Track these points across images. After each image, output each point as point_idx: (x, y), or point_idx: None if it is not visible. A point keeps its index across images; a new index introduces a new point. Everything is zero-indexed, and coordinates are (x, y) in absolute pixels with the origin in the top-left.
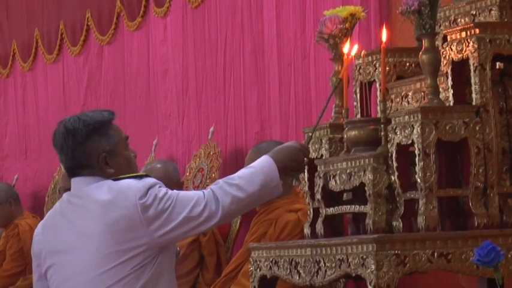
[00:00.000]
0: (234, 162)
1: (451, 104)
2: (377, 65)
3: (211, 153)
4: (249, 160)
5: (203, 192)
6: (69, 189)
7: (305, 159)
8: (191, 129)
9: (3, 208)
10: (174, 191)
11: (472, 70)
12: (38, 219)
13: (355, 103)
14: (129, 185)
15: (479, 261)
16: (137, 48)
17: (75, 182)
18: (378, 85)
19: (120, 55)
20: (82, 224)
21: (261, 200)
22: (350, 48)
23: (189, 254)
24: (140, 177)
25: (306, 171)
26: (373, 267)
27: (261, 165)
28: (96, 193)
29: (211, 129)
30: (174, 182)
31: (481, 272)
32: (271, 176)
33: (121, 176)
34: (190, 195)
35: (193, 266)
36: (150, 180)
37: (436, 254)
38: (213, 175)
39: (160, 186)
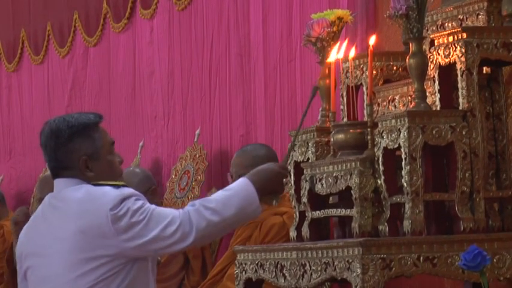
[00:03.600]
0: (219, 164)
1: (438, 108)
2: (364, 69)
3: (197, 155)
4: (234, 163)
5: (179, 212)
6: (42, 198)
7: (284, 180)
8: (177, 132)
9: None
10: (152, 206)
11: (459, 74)
12: None
13: (341, 107)
14: (104, 193)
15: (465, 265)
16: (123, 50)
17: (57, 183)
18: (364, 89)
19: (106, 56)
20: (58, 226)
21: (239, 223)
22: (347, 50)
23: (174, 257)
24: (119, 186)
25: (292, 174)
26: (358, 270)
27: (239, 189)
28: (73, 197)
29: (197, 131)
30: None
31: (466, 277)
32: (249, 199)
33: (101, 182)
34: (166, 213)
35: (178, 269)
36: (127, 191)
37: (422, 258)
38: (199, 177)
39: (137, 199)
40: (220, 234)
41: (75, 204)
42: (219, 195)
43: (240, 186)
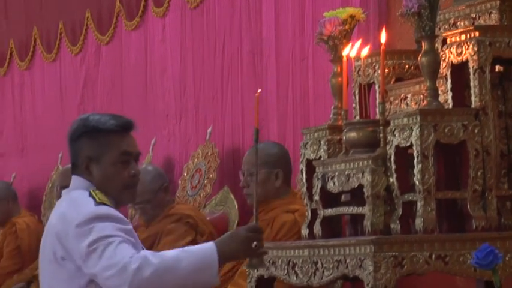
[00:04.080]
0: (231, 162)
1: (450, 106)
2: (376, 67)
3: (209, 153)
4: (246, 161)
5: (131, 260)
6: (65, 186)
7: (255, 242)
8: (189, 130)
9: (1, 206)
10: (117, 239)
11: (471, 73)
12: (35, 217)
13: (354, 105)
14: (82, 205)
15: (477, 263)
16: (135, 48)
17: (71, 180)
18: (377, 87)
19: (118, 54)
20: (51, 224)
21: (193, 284)
22: (360, 49)
23: None
24: (101, 203)
25: (304, 172)
26: (370, 268)
27: (200, 250)
28: (65, 198)
29: (209, 129)
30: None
31: (478, 275)
32: (207, 263)
33: (95, 192)
34: (122, 254)
35: None
36: (102, 211)
37: (433, 256)
38: (211, 175)
39: (108, 223)
40: None
41: (62, 208)
42: (178, 251)
43: (202, 249)
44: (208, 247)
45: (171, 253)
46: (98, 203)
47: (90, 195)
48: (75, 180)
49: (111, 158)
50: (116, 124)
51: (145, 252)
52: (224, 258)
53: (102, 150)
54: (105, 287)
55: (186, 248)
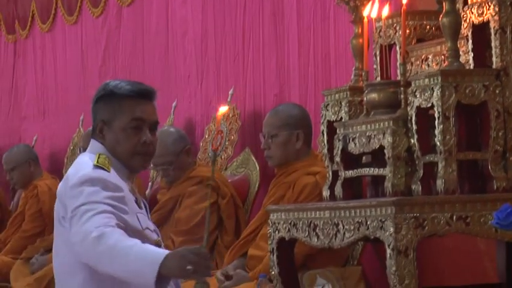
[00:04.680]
0: (252, 124)
1: (471, 67)
2: (397, 28)
3: (230, 115)
4: (267, 123)
5: (93, 230)
6: (87, 149)
7: (189, 266)
8: (210, 92)
9: (23, 169)
10: (101, 207)
11: (492, 33)
12: (57, 180)
13: (375, 66)
14: (81, 168)
15: (498, 224)
16: (156, 10)
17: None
18: (398, 48)
19: (140, 16)
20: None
21: (128, 279)
22: (380, 8)
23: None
24: (97, 167)
25: (325, 134)
26: (391, 229)
27: (152, 254)
28: (74, 163)
29: (231, 91)
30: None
31: (499, 236)
32: (146, 272)
33: (100, 155)
34: (88, 226)
35: (212, 229)
36: (95, 176)
37: (454, 217)
38: (232, 137)
39: (101, 188)
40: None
41: (69, 169)
42: (134, 243)
43: (154, 254)
44: (158, 256)
45: (128, 242)
46: (95, 166)
47: (95, 158)
48: (91, 143)
49: (122, 123)
50: (131, 89)
51: (109, 230)
52: (164, 272)
53: (114, 114)
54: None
55: (146, 245)
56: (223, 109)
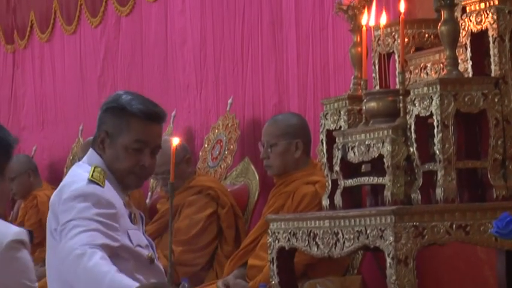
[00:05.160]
0: (251, 133)
1: (470, 75)
2: (396, 36)
3: (229, 124)
4: (266, 132)
5: (77, 247)
6: None
7: None
8: (209, 101)
9: (22, 179)
10: (91, 225)
11: (491, 41)
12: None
13: (373, 74)
14: (75, 181)
15: (497, 233)
16: (155, 19)
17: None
18: (396, 56)
19: (138, 26)
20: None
21: None
22: (377, 16)
23: (208, 227)
24: (91, 181)
25: (324, 143)
26: (391, 239)
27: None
28: (68, 175)
29: (230, 100)
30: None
31: (499, 244)
32: None
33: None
34: (72, 243)
35: (211, 239)
36: (88, 191)
37: (454, 226)
38: (231, 146)
39: (93, 204)
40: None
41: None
42: (110, 271)
43: (126, 286)
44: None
45: (104, 268)
46: (90, 181)
47: (89, 171)
48: (89, 152)
49: (126, 141)
50: (142, 110)
51: (91, 251)
52: None
53: (120, 130)
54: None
55: (120, 275)
56: (175, 140)
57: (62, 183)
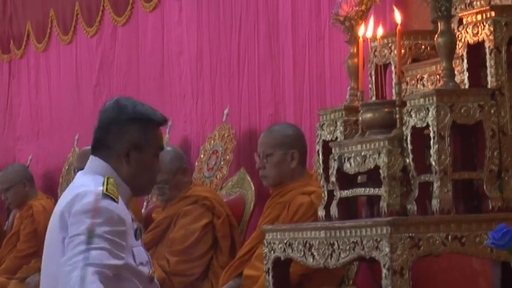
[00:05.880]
0: (248, 144)
1: (466, 86)
2: (392, 48)
3: (225, 135)
4: (262, 143)
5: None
6: (82, 169)
7: None
8: (205, 111)
9: (18, 189)
10: (91, 246)
11: (487, 53)
12: (52, 200)
13: (370, 85)
14: (89, 193)
15: (493, 244)
16: (152, 30)
17: (90, 160)
18: (393, 67)
19: (135, 36)
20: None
21: None
22: (375, 28)
23: (203, 237)
24: (106, 196)
25: (320, 154)
26: (387, 249)
27: None
28: (80, 180)
29: (226, 111)
30: (177, 168)
31: (494, 256)
32: None
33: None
34: (76, 259)
35: (206, 249)
36: (102, 207)
37: (450, 237)
38: (227, 157)
39: (104, 221)
40: None
41: (75, 189)
42: None
43: None
44: None
45: None
46: (104, 195)
47: (103, 183)
48: (95, 161)
49: (151, 151)
50: (162, 118)
51: (92, 278)
52: None
53: (147, 141)
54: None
55: None
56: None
57: (71, 193)
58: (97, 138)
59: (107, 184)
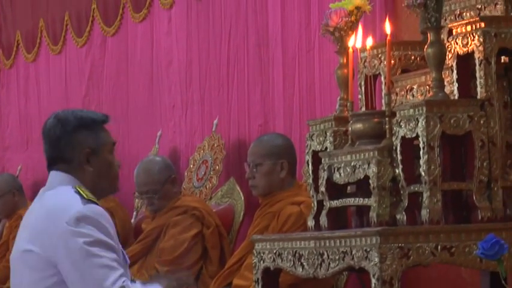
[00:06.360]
0: (237, 154)
1: (456, 97)
2: (382, 58)
3: (215, 145)
4: (251, 153)
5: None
6: None
7: None
8: (195, 121)
9: (7, 199)
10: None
11: (477, 64)
12: None
13: (360, 96)
14: (71, 203)
15: (483, 254)
16: (141, 40)
17: (50, 176)
18: (382, 78)
19: (124, 46)
20: (30, 221)
21: None
22: (364, 38)
23: (193, 247)
24: (88, 200)
25: (310, 164)
26: (376, 259)
27: None
28: (49, 194)
29: (215, 121)
30: (166, 178)
31: (484, 266)
32: None
33: (81, 188)
34: (105, 269)
35: (196, 259)
36: (92, 212)
37: (439, 247)
38: (217, 167)
39: (96, 226)
40: None
41: (46, 204)
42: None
43: None
44: None
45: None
46: (87, 200)
47: (77, 192)
48: (56, 176)
49: (107, 149)
50: (103, 116)
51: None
52: None
53: (100, 141)
54: None
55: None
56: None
57: (44, 208)
58: (51, 157)
59: (83, 192)
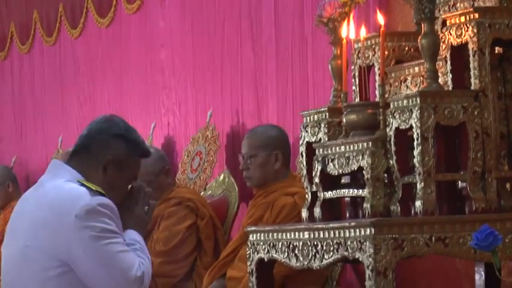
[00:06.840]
0: (231, 145)
1: (450, 88)
2: (376, 49)
3: (209, 136)
4: (245, 144)
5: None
6: None
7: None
8: (189, 113)
9: (1, 190)
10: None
11: (471, 55)
12: None
13: (353, 87)
14: (78, 196)
15: (477, 245)
16: (135, 31)
17: (52, 166)
18: (376, 69)
19: (118, 37)
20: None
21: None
22: (357, 30)
23: (187, 238)
24: (96, 192)
25: (304, 155)
26: (371, 251)
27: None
28: (52, 186)
29: (209, 112)
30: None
31: (478, 257)
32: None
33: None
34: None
35: (190, 250)
36: (102, 203)
37: (433, 238)
38: (211, 158)
39: (106, 218)
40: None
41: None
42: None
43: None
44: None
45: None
46: (95, 192)
47: (82, 185)
48: (62, 167)
49: (128, 175)
50: (145, 152)
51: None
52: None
53: (127, 163)
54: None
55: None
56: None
57: (46, 200)
58: (81, 143)
59: (90, 184)
